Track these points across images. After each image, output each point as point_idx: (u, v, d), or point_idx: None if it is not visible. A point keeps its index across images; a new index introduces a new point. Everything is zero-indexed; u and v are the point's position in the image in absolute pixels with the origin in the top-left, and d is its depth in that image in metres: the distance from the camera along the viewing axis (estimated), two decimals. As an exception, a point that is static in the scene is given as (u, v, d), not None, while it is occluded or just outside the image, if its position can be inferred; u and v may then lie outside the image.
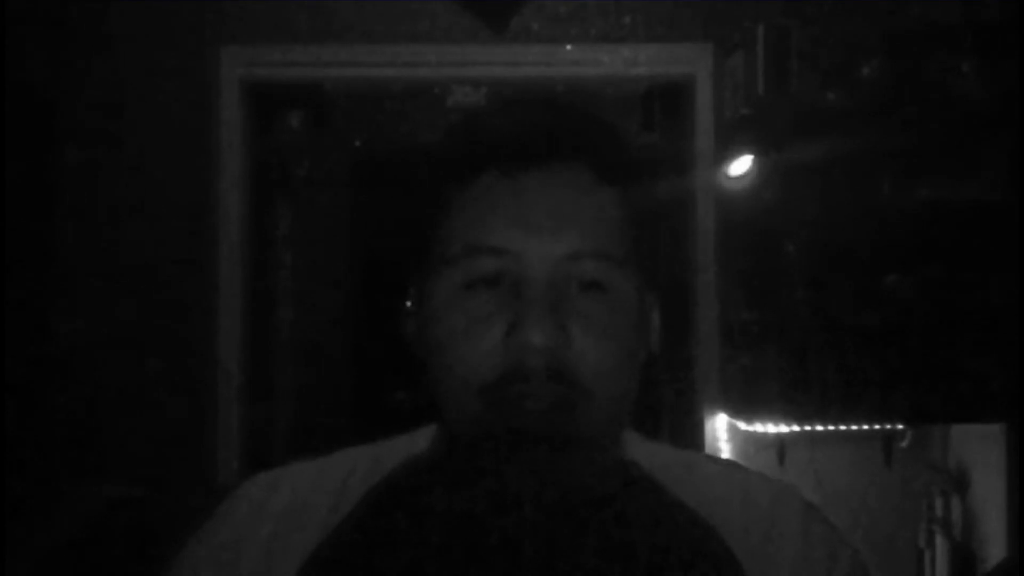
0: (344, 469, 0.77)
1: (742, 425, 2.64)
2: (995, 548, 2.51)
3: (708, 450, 2.74)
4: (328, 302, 3.93)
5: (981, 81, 2.37)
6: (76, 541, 2.29)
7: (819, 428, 2.51)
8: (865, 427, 2.54)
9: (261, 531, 0.74)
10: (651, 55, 2.88)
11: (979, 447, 2.63)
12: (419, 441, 0.78)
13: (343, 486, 0.75)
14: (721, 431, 2.80)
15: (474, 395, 0.67)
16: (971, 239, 2.39)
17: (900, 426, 2.58)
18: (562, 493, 0.49)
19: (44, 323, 2.76)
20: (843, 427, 2.51)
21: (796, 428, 2.51)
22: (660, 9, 2.88)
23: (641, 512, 0.50)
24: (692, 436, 2.81)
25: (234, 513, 0.76)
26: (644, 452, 0.76)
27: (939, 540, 2.66)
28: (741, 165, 2.65)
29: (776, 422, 2.51)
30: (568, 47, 2.87)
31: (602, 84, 3.04)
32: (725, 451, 2.77)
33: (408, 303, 0.76)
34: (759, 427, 2.55)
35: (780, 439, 2.57)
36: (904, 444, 2.66)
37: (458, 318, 0.68)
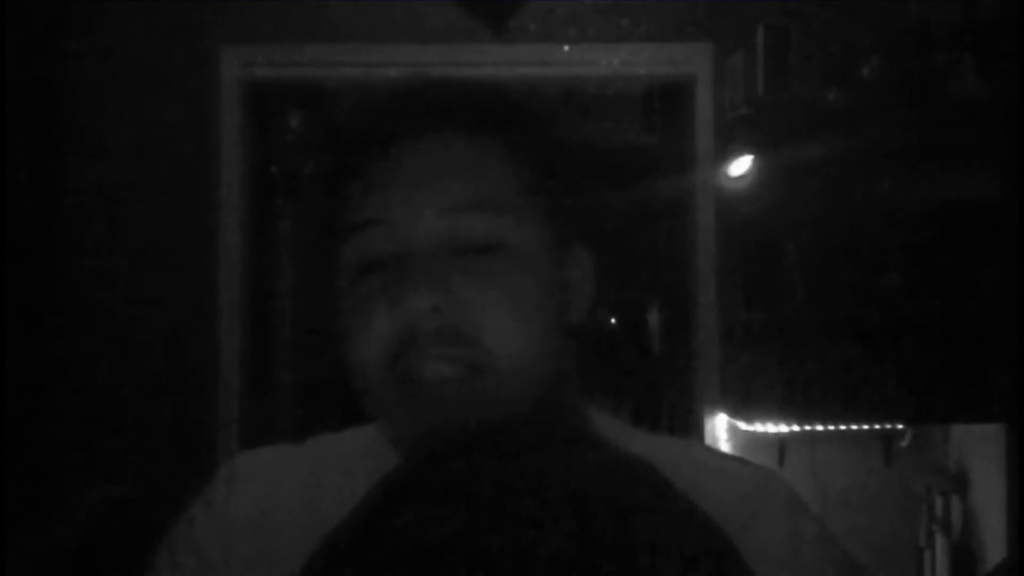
0: (321, 455, 0.78)
1: (742, 425, 2.64)
2: (995, 548, 2.51)
3: (708, 450, 2.73)
4: (327, 300, 3.93)
5: (981, 81, 2.37)
6: (76, 541, 2.28)
7: (819, 428, 2.51)
8: (865, 427, 2.54)
9: (249, 506, 0.75)
10: (651, 55, 2.88)
11: (979, 447, 2.63)
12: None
13: (320, 472, 0.75)
14: (721, 431, 2.80)
15: (376, 376, 0.65)
16: (971, 239, 2.39)
17: (900, 426, 2.58)
18: (563, 491, 0.49)
19: (44, 323, 2.76)
20: (843, 427, 2.51)
21: (796, 428, 2.51)
22: (660, 9, 2.88)
23: (646, 509, 0.50)
24: (692, 436, 2.81)
25: (225, 488, 0.77)
26: (625, 438, 0.75)
27: (939, 540, 2.66)
28: (741, 165, 2.65)
29: (776, 422, 2.51)
30: (568, 47, 2.87)
31: (602, 84, 3.04)
32: (725, 451, 2.76)
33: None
34: (759, 427, 2.55)
35: (780, 439, 2.57)
36: (904, 444, 2.66)
37: (350, 307, 0.67)
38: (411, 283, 0.63)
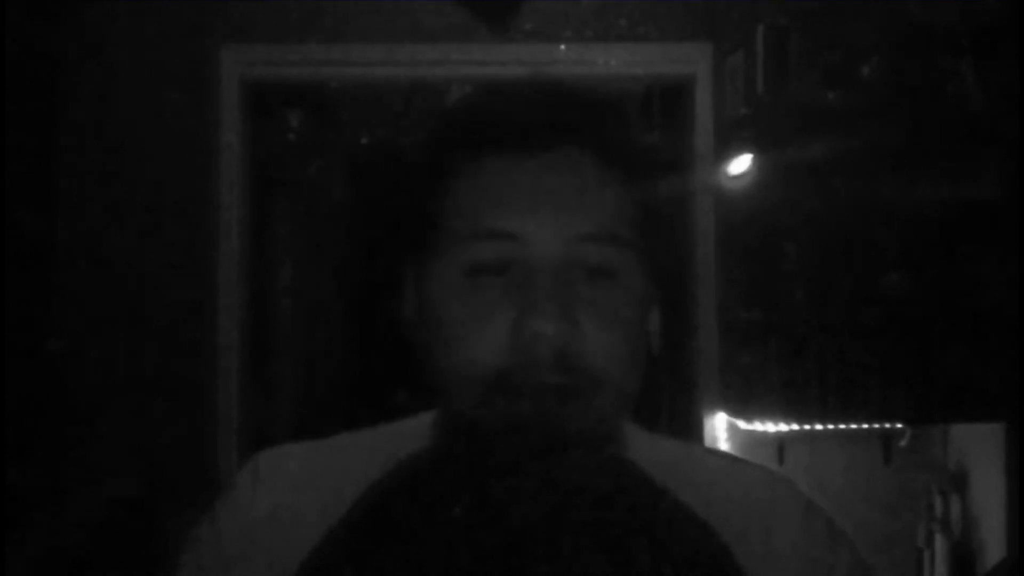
0: (345, 453, 0.78)
1: (742, 424, 2.64)
2: (994, 547, 2.51)
3: (708, 450, 2.73)
4: (328, 301, 3.93)
5: (980, 81, 2.37)
6: (76, 541, 2.28)
7: (818, 427, 2.51)
8: (864, 426, 2.54)
9: (272, 503, 0.75)
10: (651, 55, 2.88)
11: (978, 446, 2.63)
12: (419, 426, 0.77)
13: (344, 469, 0.75)
14: (721, 430, 2.80)
15: (480, 384, 0.65)
16: (971, 238, 2.39)
17: (899, 425, 2.58)
18: (560, 493, 0.49)
19: (44, 323, 2.76)
20: (842, 426, 2.51)
21: (795, 427, 2.52)
22: (660, 9, 2.88)
23: (637, 512, 0.50)
24: (692, 435, 2.81)
25: (249, 484, 0.77)
26: (645, 445, 0.76)
27: (938, 539, 2.66)
28: (741, 165, 2.65)
29: (776, 421, 2.52)
30: (567, 47, 2.87)
31: (602, 84, 3.04)
32: (724, 450, 2.77)
33: (406, 288, 0.74)
34: (758, 426, 2.55)
35: (779, 438, 2.57)
36: (903, 443, 2.66)
37: (463, 306, 0.66)
38: (539, 305, 0.63)
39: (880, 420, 2.53)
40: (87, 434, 2.72)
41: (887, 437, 2.63)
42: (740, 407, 2.64)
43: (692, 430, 2.83)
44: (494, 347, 0.64)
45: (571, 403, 0.64)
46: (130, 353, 2.79)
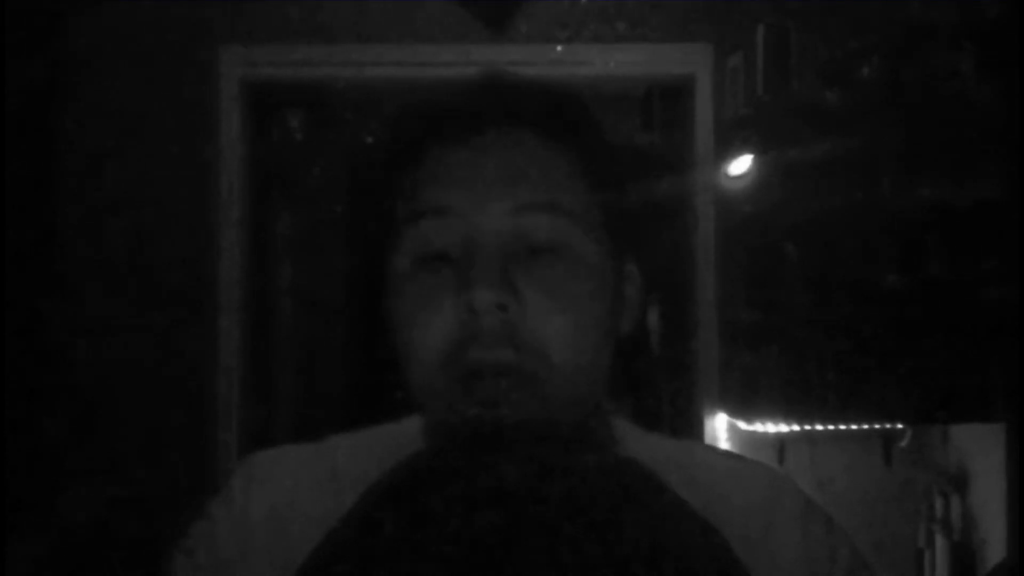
0: (338, 454, 0.78)
1: (742, 425, 2.64)
2: (995, 548, 2.51)
3: (708, 450, 2.74)
4: (327, 303, 3.93)
5: (981, 80, 2.36)
6: (76, 541, 2.28)
7: (819, 428, 2.51)
8: (865, 427, 2.54)
9: (266, 505, 0.75)
10: (651, 55, 2.88)
11: (979, 447, 2.63)
12: (412, 426, 0.77)
13: (336, 471, 0.76)
14: (721, 431, 2.80)
15: (433, 369, 0.65)
16: (971, 238, 2.39)
17: (900, 426, 2.58)
18: (560, 493, 0.49)
19: (44, 323, 2.75)
20: (843, 427, 2.51)
21: (796, 428, 2.51)
22: (660, 9, 2.88)
23: (640, 511, 0.50)
24: (692, 435, 2.81)
25: (242, 486, 0.77)
26: (640, 442, 0.76)
27: (939, 540, 2.66)
28: (741, 165, 2.65)
29: (776, 422, 2.51)
30: (567, 47, 2.87)
31: (601, 85, 3.04)
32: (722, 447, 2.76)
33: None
34: (759, 427, 2.55)
35: (780, 439, 2.57)
36: (904, 444, 2.66)
37: (410, 291, 0.67)
38: (479, 278, 0.63)
39: (880, 420, 2.53)
40: (87, 434, 2.72)
41: (887, 438, 2.63)
42: (740, 408, 2.64)
43: (692, 430, 2.83)
44: (442, 329, 0.65)
45: (525, 387, 0.64)
46: (130, 353, 2.79)
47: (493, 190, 0.66)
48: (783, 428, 2.52)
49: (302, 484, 0.76)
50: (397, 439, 0.72)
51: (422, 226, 0.67)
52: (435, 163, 0.68)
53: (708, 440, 2.79)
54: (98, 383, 2.77)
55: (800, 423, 2.50)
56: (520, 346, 0.64)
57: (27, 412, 2.58)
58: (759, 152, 2.58)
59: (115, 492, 2.53)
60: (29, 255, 2.70)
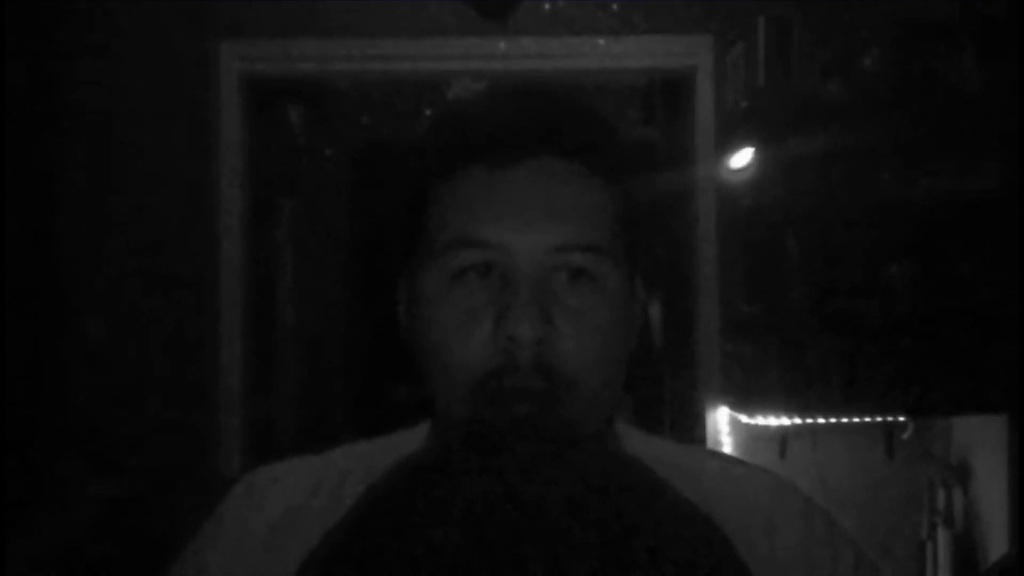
0: (341, 467, 0.77)
1: (743, 418, 2.63)
2: (997, 540, 2.51)
3: (709, 443, 2.74)
4: (328, 299, 3.93)
5: (981, 73, 2.36)
6: (76, 541, 2.28)
7: (821, 421, 2.51)
8: (867, 419, 2.53)
9: (264, 524, 0.74)
10: (651, 48, 2.87)
11: (981, 439, 2.63)
12: (414, 438, 0.78)
13: (341, 483, 0.75)
14: (722, 424, 2.80)
15: (465, 390, 0.66)
16: (972, 231, 2.38)
17: (902, 418, 2.58)
18: (562, 491, 0.48)
19: (44, 323, 2.75)
20: (845, 419, 2.51)
21: (798, 421, 2.51)
22: (660, 2, 2.87)
23: (644, 509, 0.50)
24: (693, 429, 2.81)
25: (238, 506, 0.76)
26: (641, 446, 0.76)
27: (941, 532, 2.66)
28: (742, 158, 2.65)
29: (777, 415, 2.51)
30: (567, 40, 2.86)
31: (602, 77, 3.03)
32: (726, 444, 2.76)
33: (399, 296, 0.75)
34: (760, 420, 2.55)
35: (781, 432, 2.57)
36: (906, 436, 2.66)
37: (447, 310, 0.67)
38: (520, 313, 0.65)
39: (882, 413, 2.53)
40: (87, 433, 2.72)
41: (890, 430, 2.63)
42: (742, 401, 2.64)
43: (694, 424, 2.83)
44: (477, 351, 0.66)
45: (549, 408, 0.66)
46: (131, 352, 2.79)
47: (536, 227, 0.67)
48: (785, 421, 2.52)
49: (300, 499, 0.75)
50: (402, 448, 0.72)
51: (462, 255, 0.67)
52: (476, 188, 0.68)
53: (710, 434, 2.79)
54: (99, 383, 2.77)
55: (802, 416, 2.49)
56: (552, 376, 0.66)
57: (27, 412, 2.58)
58: (760, 145, 2.57)
59: (115, 492, 2.53)
60: (29, 254, 2.69)
